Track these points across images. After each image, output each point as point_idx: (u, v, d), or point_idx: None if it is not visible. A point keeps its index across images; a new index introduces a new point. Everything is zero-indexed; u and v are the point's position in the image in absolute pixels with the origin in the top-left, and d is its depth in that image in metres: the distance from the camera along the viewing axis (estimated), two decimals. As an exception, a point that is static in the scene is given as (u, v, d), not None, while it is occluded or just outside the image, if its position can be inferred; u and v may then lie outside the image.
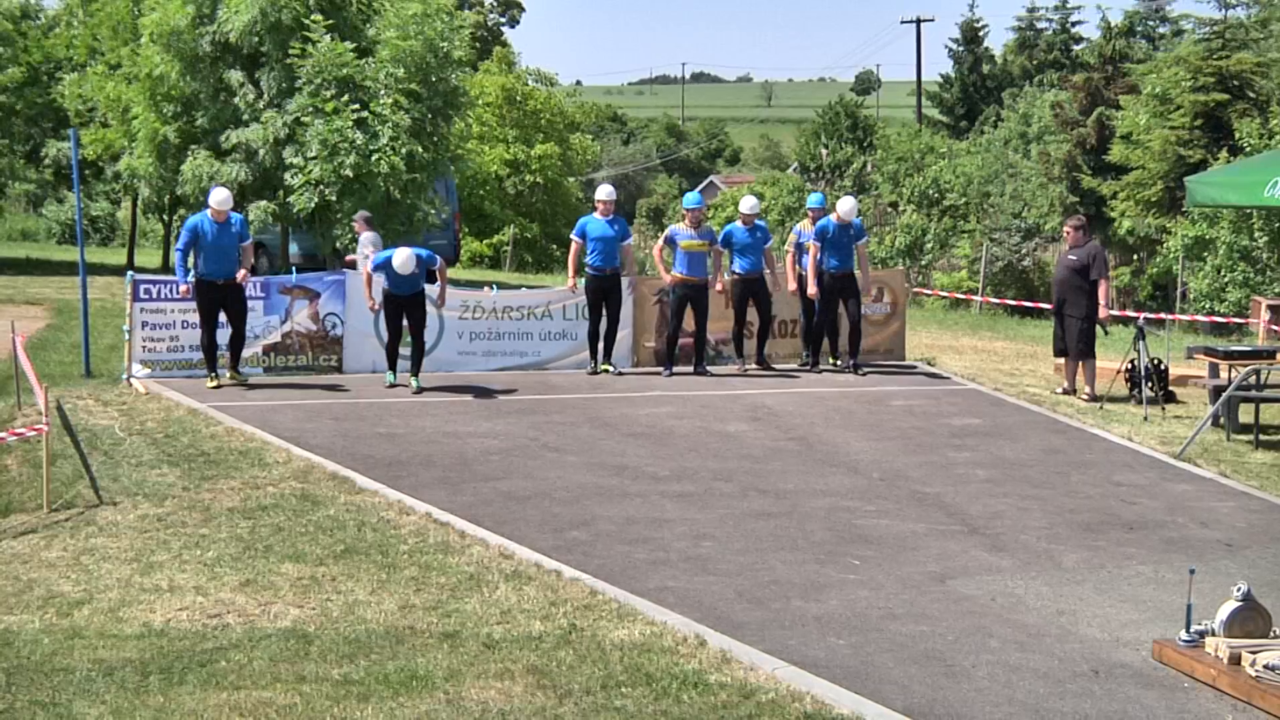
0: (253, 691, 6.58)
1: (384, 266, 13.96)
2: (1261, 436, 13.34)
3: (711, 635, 7.45)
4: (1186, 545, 9.67)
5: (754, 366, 15.97)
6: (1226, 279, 26.27)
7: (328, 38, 21.56)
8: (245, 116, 22.59)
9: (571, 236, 15.82)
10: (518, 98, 42.84)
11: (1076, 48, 60.21)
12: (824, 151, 50.12)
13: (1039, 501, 10.78)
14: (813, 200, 16.61)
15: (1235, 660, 7.01)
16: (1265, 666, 6.86)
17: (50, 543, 9.24)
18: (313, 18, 21.79)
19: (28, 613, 7.90)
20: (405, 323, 14.32)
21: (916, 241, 35.85)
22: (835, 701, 6.59)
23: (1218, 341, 21.05)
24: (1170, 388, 15.27)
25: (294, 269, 18.36)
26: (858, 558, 9.10)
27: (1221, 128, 29.57)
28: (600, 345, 15.57)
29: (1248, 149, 26.27)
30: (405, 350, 14.50)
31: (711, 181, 78.41)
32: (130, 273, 15.35)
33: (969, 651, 7.38)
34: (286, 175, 21.97)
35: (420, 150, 21.64)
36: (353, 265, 17.38)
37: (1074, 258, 15.10)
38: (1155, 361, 15.04)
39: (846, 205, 15.60)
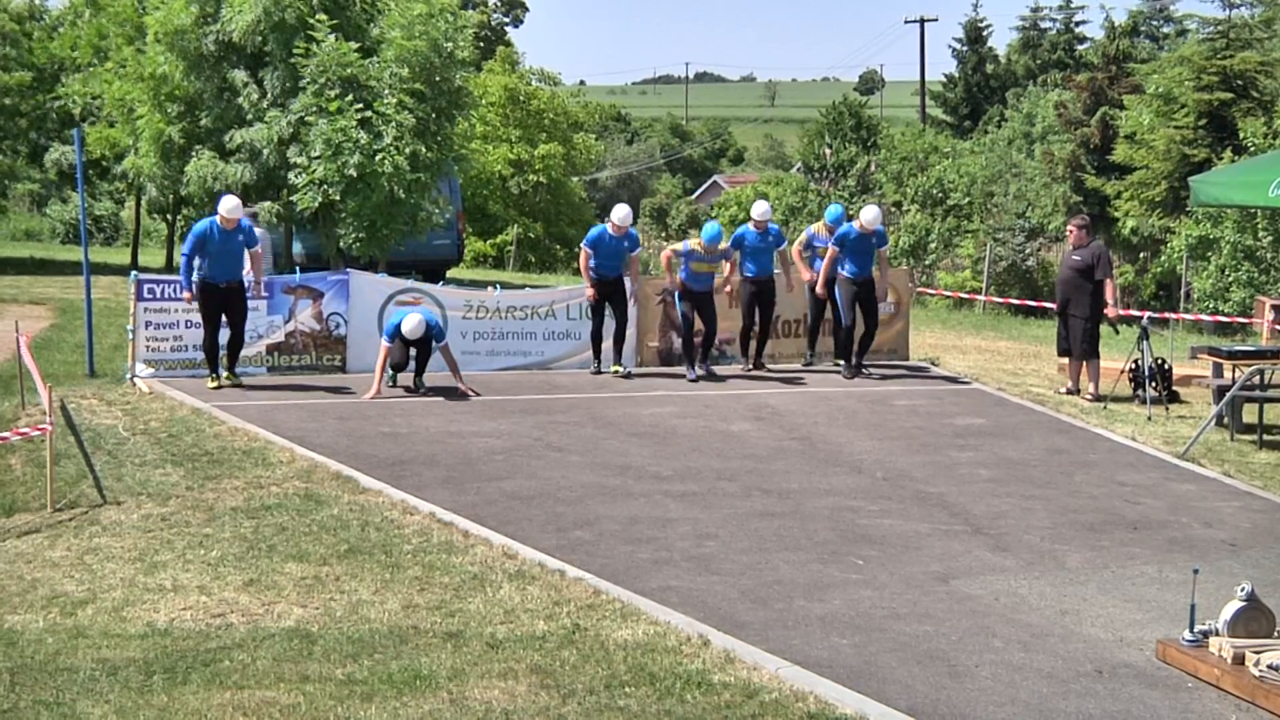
0: (256, 691, 6.59)
1: (394, 333, 14.05)
2: (1265, 436, 13.33)
3: (715, 635, 7.45)
4: (1190, 545, 9.67)
5: (752, 368, 15.95)
6: (1230, 279, 26.25)
7: (331, 37, 21.55)
8: (249, 116, 22.60)
9: (582, 245, 15.83)
10: (521, 97, 42.81)
11: (1080, 47, 60.17)
12: (827, 151, 50.05)
13: (1042, 501, 10.77)
14: (831, 214, 16.34)
15: (1239, 660, 7.00)
16: (1269, 667, 6.85)
17: (54, 542, 9.25)
18: (317, 17, 21.79)
19: (32, 612, 7.91)
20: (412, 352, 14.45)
21: (920, 241, 35.81)
22: (839, 701, 6.59)
23: (1222, 341, 21.03)
24: (1174, 388, 15.26)
25: (297, 269, 18.36)
26: (861, 557, 9.10)
27: (1226, 127, 29.55)
28: (607, 345, 15.56)
29: (1252, 148, 26.24)
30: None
31: (715, 181, 78.44)
32: (134, 272, 15.36)
33: (972, 651, 7.38)
34: (290, 175, 21.97)
35: (424, 150, 21.63)
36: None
37: (1078, 258, 15.08)
38: (1159, 361, 15.03)
39: (870, 214, 15.52)
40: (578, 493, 10.59)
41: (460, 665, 6.97)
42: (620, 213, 15.69)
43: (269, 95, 22.46)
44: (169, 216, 30.68)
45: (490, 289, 16.49)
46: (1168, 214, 30.14)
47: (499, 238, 40.43)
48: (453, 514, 9.81)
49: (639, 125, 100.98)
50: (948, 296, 30.92)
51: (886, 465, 11.86)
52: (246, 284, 14.17)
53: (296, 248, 25.05)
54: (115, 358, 15.52)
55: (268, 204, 23.08)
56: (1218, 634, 7.23)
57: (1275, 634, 7.30)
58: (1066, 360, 15.55)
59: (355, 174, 21.02)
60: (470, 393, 14.22)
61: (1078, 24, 63.81)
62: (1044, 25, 63.80)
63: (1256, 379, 13.62)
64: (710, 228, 15.26)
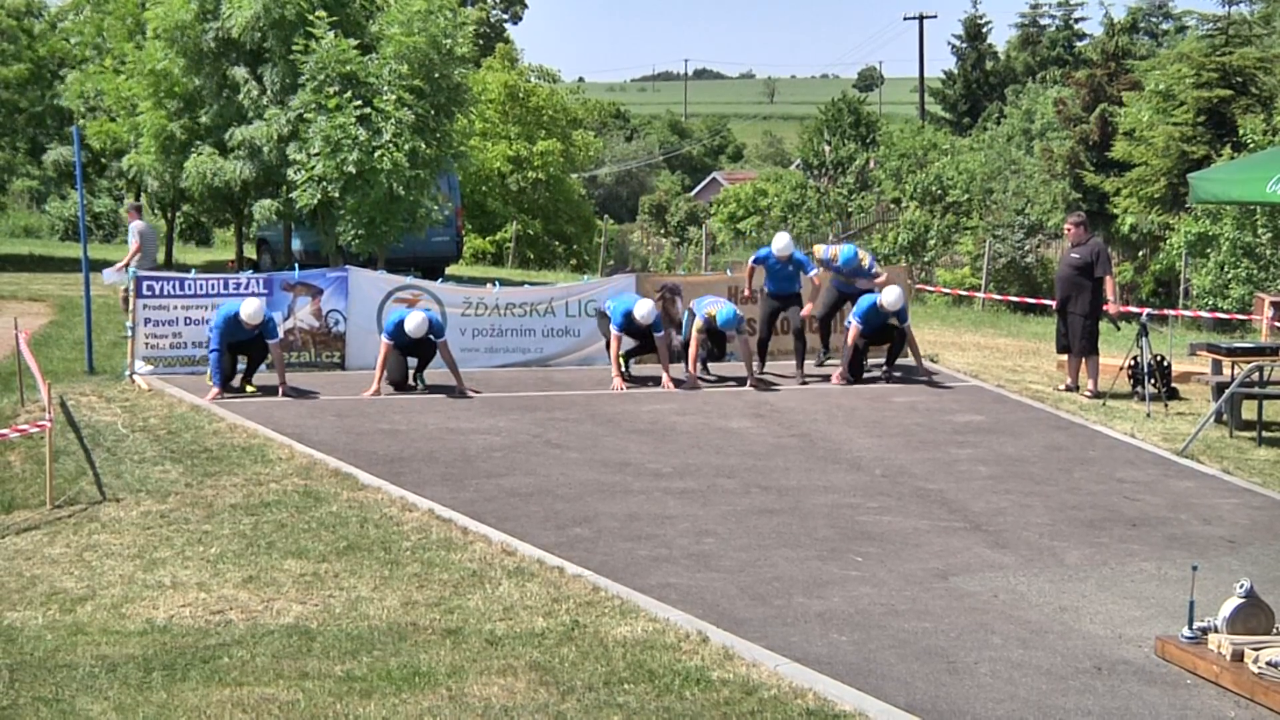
0: (255, 688, 6.59)
1: (396, 333, 14.03)
2: (1264, 433, 13.32)
3: (714, 632, 7.45)
4: (1189, 542, 9.67)
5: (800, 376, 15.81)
6: (1229, 275, 26.22)
7: (331, 34, 21.56)
8: (249, 113, 22.59)
9: (751, 262, 16.20)
10: (520, 94, 42.75)
11: (1079, 44, 60.18)
12: (827, 148, 50.06)
13: (1041, 498, 10.77)
14: (845, 253, 16.23)
15: (1238, 657, 7.00)
16: (1268, 663, 6.85)
17: (53, 539, 9.25)
18: (316, 14, 21.79)
19: (31, 609, 7.91)
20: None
21: (919, 238, 35.82)
22: (838, 698, 6.59)
23: (1220, 338, 21.02)
24: (1173, 384, 15.25)
25: (296, 265, 18.36)
26: (860, 554, 9.10)
27: (1225, 124, 29.53)
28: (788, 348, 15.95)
29: (1251, 145, 26.21)
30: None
31: (714, 178, 78.40)
32: (133, 269, 15.36)
33: (971, 648, 7.38)
34: (289, 172, 21.98)
35: (423, 147, 21.64)
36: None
37: (1077, 255, 15.07)
38: (1158, 358, 15.02)
39: (781, 241, 15.69)
40: (577, 489, 10.59)
41: (459, 662, 6.97)
42: (780, 241, 15.74)
43: (269, 92, 22.46)
44: (167, 214, 30.66)
45: (489, 286, 16.49)
46: (1167, 211, 30.11)
47: (498, 234, 40.39)
48: (452, 511, 9.81)
49: (638, 122, 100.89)
50: (947, 293, 30.91)
51: (886, 462, 11.86)
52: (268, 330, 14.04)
53: (296, 244, 25.06)
54: (114, 354, 15.52)
55: (267, 201, 23.09)
56: (1217, 631, 7.23)
57: (1274, 631, 7.30)
58: (1066, 357, 15.54)
59: (354, 171, 21.04)
60: (469, 391, 14.22)
61: (1077, 20, 63.95)
62: (1043, 22, 63.88)
63: (1255, 376, 13.62)
64: (725, 313, 14.99)
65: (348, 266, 16.30)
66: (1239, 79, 30.49)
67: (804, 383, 15.47)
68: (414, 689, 6.59)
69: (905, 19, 62.62)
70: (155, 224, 41.40)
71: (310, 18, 21.74)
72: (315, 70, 21.55)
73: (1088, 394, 14.97)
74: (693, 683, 6.73)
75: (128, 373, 14.50)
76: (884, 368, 15.74)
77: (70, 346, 16.27)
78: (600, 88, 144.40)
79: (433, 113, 22.30)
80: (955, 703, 6.64)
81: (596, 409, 13.70)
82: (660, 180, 77.66)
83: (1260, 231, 25.82)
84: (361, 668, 6.89)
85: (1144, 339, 14.65)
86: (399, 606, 7.88)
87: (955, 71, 63.20)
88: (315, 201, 21.57)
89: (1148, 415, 14.05)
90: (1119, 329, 16.14)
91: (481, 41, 41.23)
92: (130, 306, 14.75)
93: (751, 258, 16.34)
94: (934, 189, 37.26)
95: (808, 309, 15.88)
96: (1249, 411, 13.77)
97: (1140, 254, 32.31)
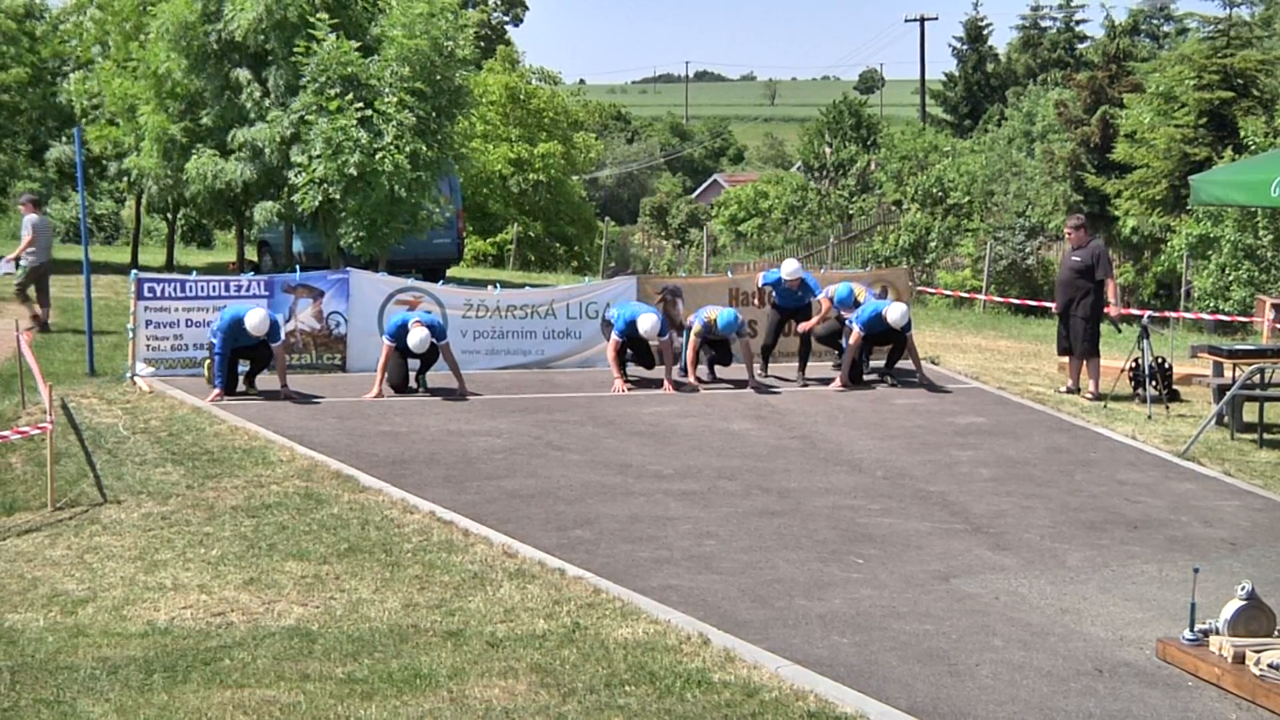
0: (256, 690, 6.59)
1: (398, 335, 14.07)
2: (1265, 435, 13.33)
3: (715, 634, 7.45)
4: (1190, 544, 9.67)
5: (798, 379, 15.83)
6: (1231, 278, 26.23)
7: (332, 36, 21.56)
8: (251, 115, 22.59)
9: (762, 285, 16.39)
10: (521, 96, 42.75)
11: (1080, 46, 60.13)
12: (827, 150, 50.07)
13: (1043, 500, 10.77)
14: (840, 291, 16.30)
15: (1239, 659, 7.00)
16: (1270, 665, 6.85)
17: (55, 541, 9.25)
18: (318, 15, 21.79)
19: (32, 611, 7.91)
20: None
21: (920, 240, 35.81)
22: (839, 700, 6.59)
23: (1222, 340, 21.01)
24: (1174, 386, 15.25)
25: (297, 267, 18.36)
26: (861, 556, 9.10)
27: (1226, 126, 29.53)
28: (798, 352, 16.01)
29: (1253, 147, 26.22)
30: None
31: (715, 180, 78.42)
32: (134, 271, 15.37)
33: (972, 650, 7.38)
34: (291, 174, 21.97)
35: (424, 149, 21.63)
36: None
37: (1078, 258, 15.08)
38: (1159, 360, 15.02)
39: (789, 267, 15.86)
40: (578, 491, 10.59)
41: (460, 664, 6.97)
42: (789, 268, 15.84)
43: (271, 94, 22.46)
44: (168, 216, 30.64)
45: (490, 288, 16.49)
46: (1168, 213, 30.11)
47: (499, 237, 40.40)
48: (453, 513, 9.81)
49: (639, 124, 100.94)
50: (948, 295, 30.91)
51: (887, 464, 11.86)
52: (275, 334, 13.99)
53: (297, 246, 25.05)
54: (115, 356, 15.52)
55: (268, 203, 23.09)
56: (1218, 633, 7.23)
57: (1275, 633, 7.30)
58: (1067, 359, 15.54)
59: (355, 173, 21.02)
60: (470, 393, 14.22)
61: (1078, 23, 63.76)
62: (1044, 24, 63.75)
63: (1257, 378, 13.62)
64: (726, 315, 15.13)
65: (349, 269, 16.30)
66: (1240, 81, 30.50)
67: (805, 385, 15.48)
68: (415, 691, 6.59)
69: (906, 21, 62.60)
70: (155, 226, 41.51)
71: (312, 19, 21.74)
72: (317, 72, 21.54)
73: (1089, 396, 14.97)
74: (694, 685, 6.72)
75: (129, 375, 14.50)
76: (884, 371, 15.74)
77: (71, 349, 16.26)
78: (601, 90, 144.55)
79: (434, 115, 22.28)
80: (956, 705, 6.64)
81: (598, 411, 13.70)
82: (661, 182, 77.68)
83: (1261, 233, 25.82)
84: (363, 670, 6.89)
85: (1145, 341, 14.65)
86: (400, 608, 7.87)
87: (956, 73, 63.13)
88: (316, 204, 21.55)
89: (1149, 417, 14.05)
90: (1120, 331, 16.12)
91: (483, 44, 41.23)
92: (24, 299, 14.62)
93: (761, 279, 16.49)
94: (935, 191, 37.25)
95: (807, 325, 15.90)
96: (1250, 414, 13.77)
97: (1142, 256, 32.31)
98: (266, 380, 14.11)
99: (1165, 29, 54.25)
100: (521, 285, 21.92)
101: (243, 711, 6.32)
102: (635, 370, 15.50)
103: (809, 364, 15.93)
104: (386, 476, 10.81)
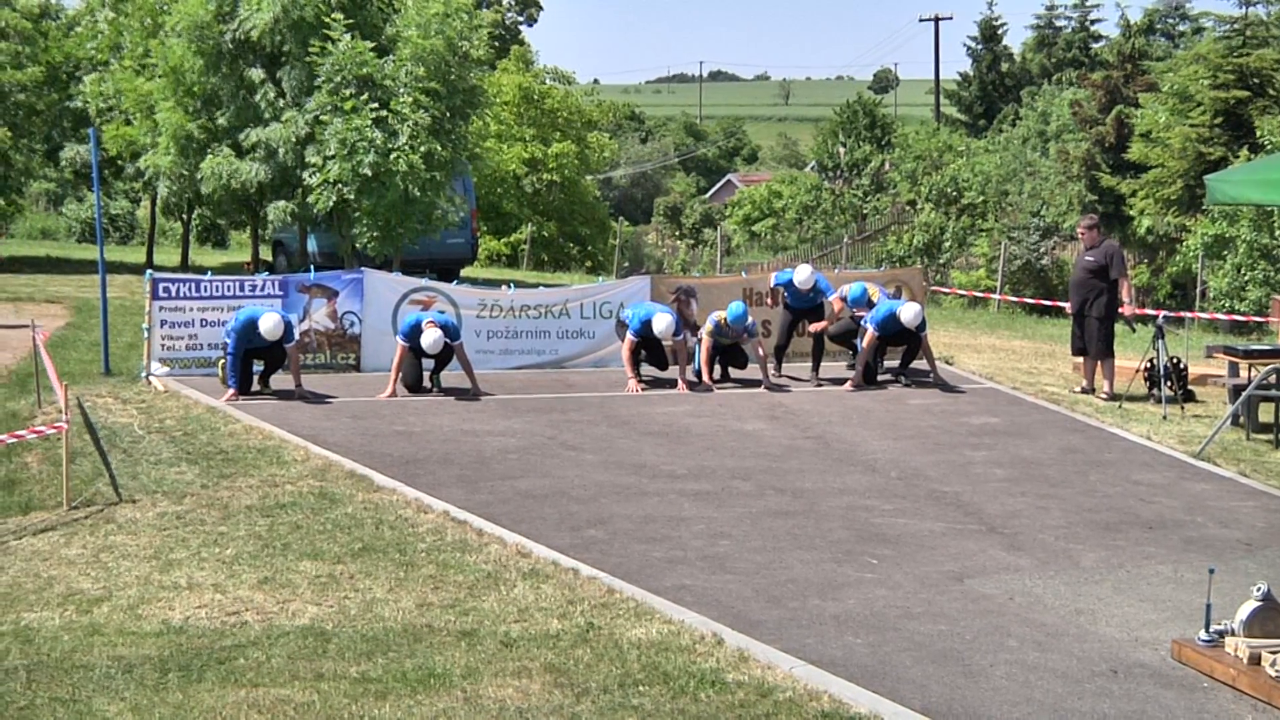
0: (271, 689, 6.60)
1: (411, 335, 14.10)
2: (1282, 436, 13.28)
3: (729, 634, 7.45)
4: (1206, 545, 9.64)
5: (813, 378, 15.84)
6: (1247, 277, 26.14)
7: (347, 36, 21.61)
8: (266, 115, 22.65)
9: (774, 285, 16.50)
10: (535, 96, 42.80)
11: (1095, 46, 59.94)
12: (842, 150, 50.04)
13: (1057, 500, 10.75)
14: (855, 291, 16.27)
15: (1255, 660, 6.98)
16: (1285, 667, 6.82)
17: (70, 540, 9.28)
18: (333, 16, 21.84)
19: (48, 609, 7.94)
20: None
21: (935, 240, 35.78)
22: (853, 700, 6.58)
23: (1237, 340, 20.95)
24: (1189, 387, 15.21)
25: (312, 267, 18.41)
26: (875, 557, 9.09)
27: (1242, 125, 29.43)
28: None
29: (1269, 146, 26.13)
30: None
31: (729, 180, 78.38)
32: (149, 271, 15.42)
33: (987, 651, 7.37)
34: (305, 174, 22.03)
35: (439, 149, 21.67)
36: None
37: (1091, 258, 15.04)
38: (1174, 360, 14.98)
39: (803, 274, 15.84)
40: (591, 491, 10.60)
41: (474, 664, 6.97)
42: (802, 274, 15.85)
43: (286, 95, 22.51)
44: (184, 216, 30.72)
45: (504, 288, 16.50)
46: (1183, 212, 30.02)
47: (513, 236, 40.44)
48: (466, 513, 9.82)
49: (653, 124, 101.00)
50: (962, 295, 30.87)
51: (901, 464, 11.84)
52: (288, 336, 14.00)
53: (311, 246, 25.11)
54: (130, 356, 15.57)
55: (283, 203, 23.15)
56: (1234, 634, 7.21)
57: (1291, 634, 7.27)
58: (1081, 359, 15.51)
59: (370, 173, 21.07)
60: (483, 393, 14.24)
61: (1093, 22, 63.57)
62: (1059, 23, 63.56)
63: (1273, 378, 13.56)
64: (735, 308, 15.14)
65: (363, 268, 16.33)
66: (1256, 80, 30.38)
67: (819, 385, 15.46)
68: (429, 690, 6.60)
69: (920, 21, 62.51)
70: (170, 226, 41.60)
71: (327, 20, 21.79)
72: (331, 72, 21.60)
73: (1103, 396, 14.93)
74: (708, 684, 6.72)
75: (144, 374, 14.55)
76: (898, 371, 15.72)
77: (87, 348, 16.31)
78: (615, 90, 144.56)
79: (448, 115, 22.33)
80: (970, 705, 6.63)
81: (611, 411, 13.70)
82: (675, 182, 77.72)
83: (1277, 233, 25.72)
84: (377, 669, 6.90)
85: (1160, 341, 14.61)
86: (414, 608, 7.88)
87: (970, 73, 63.00)
88: (331, 204, 21.60)
89: (1164, 418, 14.01)
90: (1135, 331, 16.08)
91: (497, 44, 41.27)
92: None
93: (773, 279, 16.51)
94: (949, 191, 37.21)
95: (818, 326, 15.89)
96: (1266, 414, 13.71)
97: (1157, 256, 32.22)
98: (281, 380, 14.14)
99: (1181, 28, 54.06)
100: (535, 285, 21.94)
101: (257, 711, 6.34)
102: (649, 370, 15.50)
103: (823, 364, 15.92)
104: (400, 476, 10.82)
